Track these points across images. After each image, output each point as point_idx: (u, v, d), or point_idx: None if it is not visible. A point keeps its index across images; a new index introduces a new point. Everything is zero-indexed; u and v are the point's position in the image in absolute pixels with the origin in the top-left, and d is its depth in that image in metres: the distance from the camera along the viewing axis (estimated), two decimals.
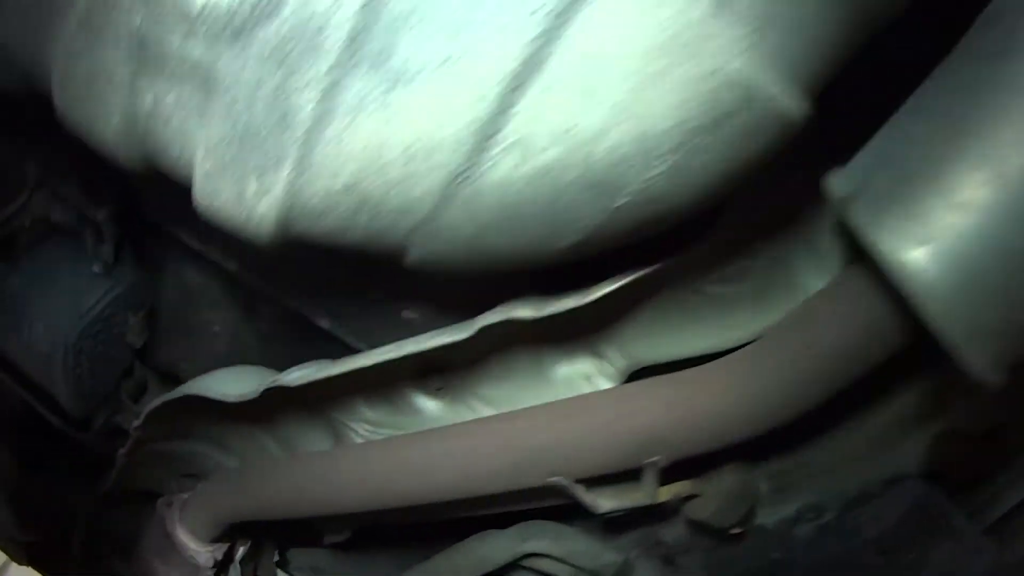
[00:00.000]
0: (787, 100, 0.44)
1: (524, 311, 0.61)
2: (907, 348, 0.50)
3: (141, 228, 0.93)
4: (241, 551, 0.89)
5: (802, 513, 0.73)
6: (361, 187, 0.48)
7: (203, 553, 0.85)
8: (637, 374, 0.67)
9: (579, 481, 0.62)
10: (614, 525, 0.76)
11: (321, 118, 0.47)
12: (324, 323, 0.84)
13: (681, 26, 0.42)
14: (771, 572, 0.73)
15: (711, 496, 0.67)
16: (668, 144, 0.44)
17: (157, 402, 0.84)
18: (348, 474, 0.70)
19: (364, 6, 0.45)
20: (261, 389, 0.74)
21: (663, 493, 0.64)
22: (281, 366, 0.78)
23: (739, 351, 0.60)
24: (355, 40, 0.46)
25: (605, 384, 0.67)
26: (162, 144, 0.53)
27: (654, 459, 0.60)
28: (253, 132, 0.48)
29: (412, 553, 0.88)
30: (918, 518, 0.66)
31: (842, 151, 0.50)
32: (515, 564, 0.78)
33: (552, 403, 0.64)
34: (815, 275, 0.63)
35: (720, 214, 0.59)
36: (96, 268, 0.92)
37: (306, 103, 0.46)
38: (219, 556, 0.86)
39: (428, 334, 0.66)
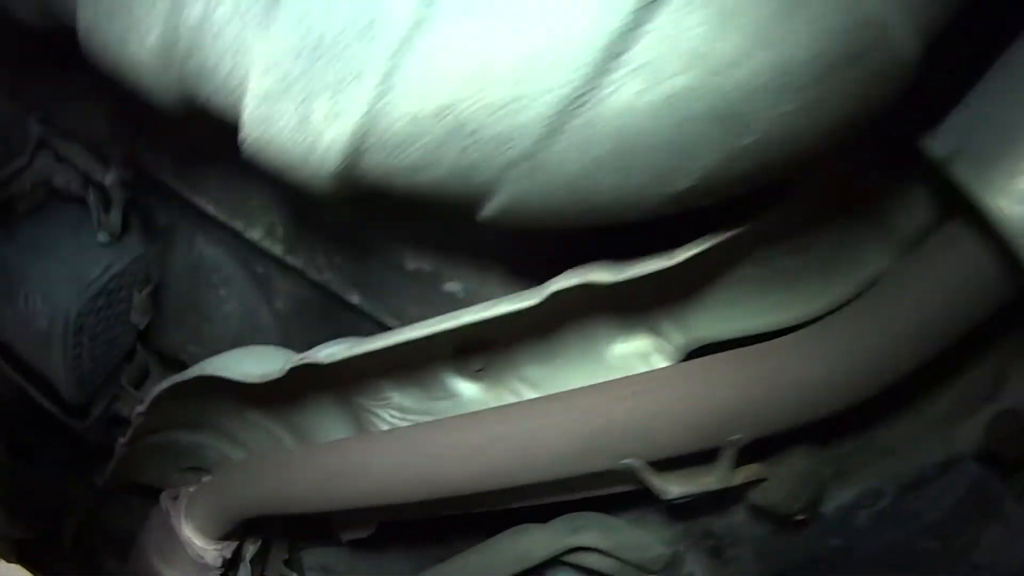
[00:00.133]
0: (912, 46, 0.44)
1: (602, 275, 0.57)
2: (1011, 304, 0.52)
3: (151, 194, 0.89)
4: (252, 550, 0.85)
5: (861, 498, 0.71)
6: (457, 111, 0.43)
7: (211, 551, 0.81)
8: (694, 354, 0.64)
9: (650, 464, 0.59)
10: (668, 515, 0.73)
11: (418, 25, 0.41)
12: (354, 298, 0.80)
13: None
14: (831, 561, 0.71)
15: (782, 480, 0.64)
16: (804, 78, 0.42)
17: (166, 384, 0.79)
18: (386, 461, 0.65)
19: None
20: (287, 367, 0.68)
21: (737, 476, 0.61)
22: (297, 349, 0.74)
23: (826, 319, 0.59)
24: None
25: (663, 364, 0.64)
26: (209, 65, 0.47)
27: (735, 437, 0.57)
28: (330, 42, 0.42)
29: (428, 551, 0.85)
30: (975, 501, 0.65)
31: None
32: (556, 560, 0.74)
33: (621, 379, 0.60)
34: (879, 250, 0.62)
35: (796, 182, 0.57)
36: (101, 237, 0.87)
37: (401, 6, 0.41)
38: (228, 554, 0.82)
39: (489, 302, 0.61)
